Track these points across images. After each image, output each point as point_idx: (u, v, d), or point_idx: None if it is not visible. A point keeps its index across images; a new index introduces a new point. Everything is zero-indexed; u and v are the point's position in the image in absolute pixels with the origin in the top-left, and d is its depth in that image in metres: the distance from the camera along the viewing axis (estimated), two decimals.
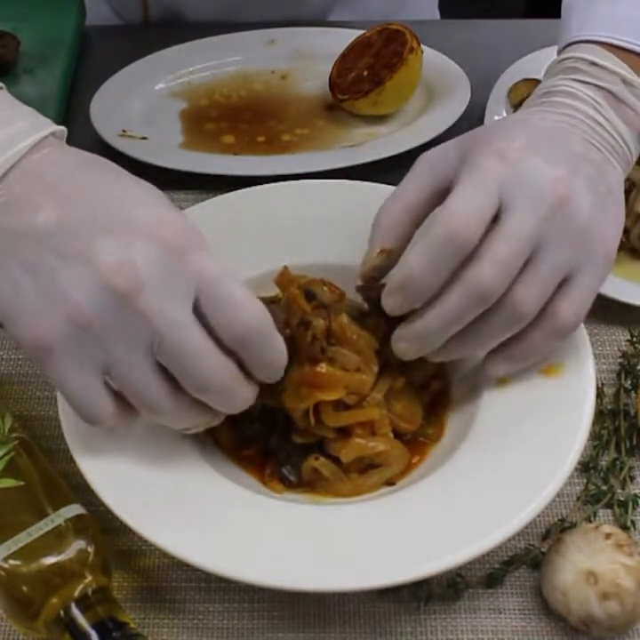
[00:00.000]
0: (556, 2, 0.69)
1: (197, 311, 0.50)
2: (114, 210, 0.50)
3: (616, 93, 0.60)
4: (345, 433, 0.59)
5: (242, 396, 0.53)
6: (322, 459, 0.59)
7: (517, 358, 0.59)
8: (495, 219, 0.54)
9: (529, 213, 0.54)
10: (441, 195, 0.57)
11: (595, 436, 0.64)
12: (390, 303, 0.57)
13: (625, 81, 0.60)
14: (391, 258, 0.59)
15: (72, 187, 0.51)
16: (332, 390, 0.57)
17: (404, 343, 0.58)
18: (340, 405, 0.58)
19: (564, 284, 0.56)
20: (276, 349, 0.53)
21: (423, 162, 0.60)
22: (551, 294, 0.56)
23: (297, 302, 0.60)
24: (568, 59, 0.62)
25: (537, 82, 0.84)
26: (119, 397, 0.52)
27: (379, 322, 0.61)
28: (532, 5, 1.01)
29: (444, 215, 0.54)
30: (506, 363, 0.59)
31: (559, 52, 0.65)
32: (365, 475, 0.59)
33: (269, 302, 0.65)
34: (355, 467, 0.59)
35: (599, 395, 0.62)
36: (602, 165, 0.58)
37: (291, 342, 0.60)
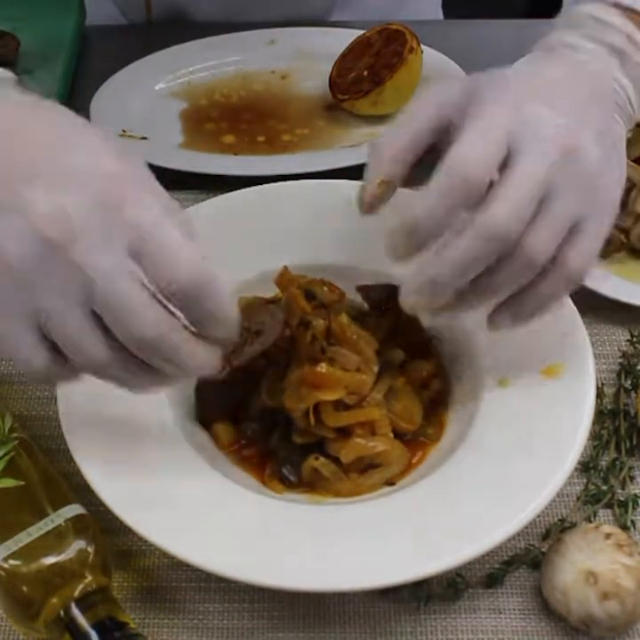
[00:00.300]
0: (557, 2, 0.69)
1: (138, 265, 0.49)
2: (51, 156, 0.49)
3: (621, 49, 0.60)
4: (345, 433, 0.59)
5: (194, 356, 0.50)
6: (322, 459, 0.59)
7: (525, 312, 0.57)
8: (503, 167, 0.54)
9: (539, 159, 0.54)
10: (442, 132, 0.57)
11: (595, 435, 0.64)
12: (393, 246, 0.56)
13: (629, 38, 0.60)
14: (390, 188, 0.59)
15: (8, 131, 0.50)
16: (332, 390, 0.57)
17: (413, 296, 0.56)
18: (340, 405, 0.58)
19: (572, 232, 0.55)
20: (219, 300, 0.50)
21: (429, 99, 0.60)
22: (560, 243, 0.55)
23: (297, 302, 0.60)
24: (573, 15, 0.63)
25: None
26: (58, 351, 0.50)
27: (379, 322, 0.61)
28: (533, 5, 1.01)
29: (453, 158, 0.53)
30: (513, 317, 0.58)
31: (563, 10, 0.65)
32: (365, 475, 0.59)
33: (269, 302, 0.65)
34: (355, 467, 0.59)
35: (599, 395, 0.62)
36: (606, 118, 0.58)
37: (291, 342, 0.60)
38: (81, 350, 0.49)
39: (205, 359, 0.51)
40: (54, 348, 0.50)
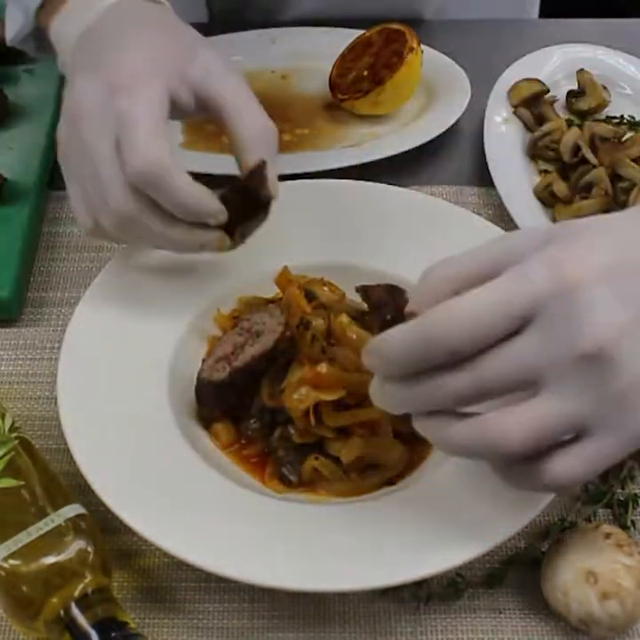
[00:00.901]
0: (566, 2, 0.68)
1: None
2: (104, 54, 0.61)
3: None
4: (345, 433, 0.59)
5: (167, 231, 0.60)
6: (322, 458, 0.59)
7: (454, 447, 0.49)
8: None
9: (545, 345, 0.46)
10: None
11: None
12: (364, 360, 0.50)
13: None
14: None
15: (101, 36, 0.63)
16: (333, 390, 0.57)
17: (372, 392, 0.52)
18: (340, 405, 0.58)
19: (574, 438, 0.48)
20: (175, 186, 0.58)
21: (501, 240, 0.51)
22: (549, 439, 0.47)
23: (297, 302, 0.60)
24: None
25: (537, 82, 0.85)
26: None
27: (379, 323, 0.61)
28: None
29: (444, 308, 0.47)
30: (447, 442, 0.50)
31: None
32: (365, 475, 0.59)
33: (269, 302, 0.65)
34: (355, 467, 0.59)
35: None
36: None
37: (291, 342, 0.60)
38: (97, 215, 0.61)
39: (181, 238, 0.61)
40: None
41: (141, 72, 0.59)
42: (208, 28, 0.91)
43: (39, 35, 0.71)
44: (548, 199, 0.78)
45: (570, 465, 0.47)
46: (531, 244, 0.48)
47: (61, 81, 0.85)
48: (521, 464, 0.48)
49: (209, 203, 0.60)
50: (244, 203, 0.62)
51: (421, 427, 0.50)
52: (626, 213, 0.51)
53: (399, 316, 0.54)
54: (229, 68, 0.63)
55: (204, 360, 0.62)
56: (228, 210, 0.61)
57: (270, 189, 0.61)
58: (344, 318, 0.60)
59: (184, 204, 0.59)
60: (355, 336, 0.59)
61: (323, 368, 0.57)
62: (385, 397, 0.50)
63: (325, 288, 0.64)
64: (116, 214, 0.60)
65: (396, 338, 0.48)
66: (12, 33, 0.72)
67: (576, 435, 0.47)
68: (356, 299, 0.63)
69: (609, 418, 0.47)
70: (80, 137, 0.59)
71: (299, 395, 0.57)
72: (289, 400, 0.58)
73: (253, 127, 0.62)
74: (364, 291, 0.62)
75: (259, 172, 0.61)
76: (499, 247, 0.49)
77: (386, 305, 0.60)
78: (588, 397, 0.46)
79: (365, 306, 0.63)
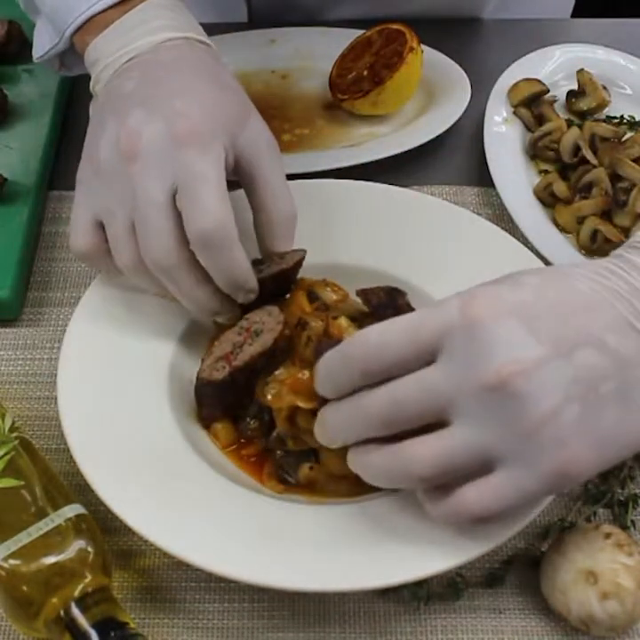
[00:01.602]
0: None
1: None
2: (165, 94, 0.59)
3: None
4: None
5: (193, 293, 0.59)
6: (316, 466, 0.58)
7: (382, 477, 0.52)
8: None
9: (452, 375, 0.47)
10: None
11: None
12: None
13: None
14: None
15: (158, 72, 0.61)
16: (309, 399, 0.56)
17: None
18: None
19: (486, 471, 0.48)
20: (232, 256, 0.57)
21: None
22: (457, 469, 0.48)
23: (297, 303, 0.60)
24: None
25: (537, 82, 0.85)
26: (104, 240, 0.60)
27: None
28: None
29: (363, 331, 0.50)
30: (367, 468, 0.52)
31: None
32: None
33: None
34: (350, 473, 0.59)
35: None
36: (628, 357, 0.47)
37: (289, 342, 0.60)
38: (116, 252, 0.59)
39: (204, 301, 0.59)
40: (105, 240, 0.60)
41: (206, 128, 0.58)
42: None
43: (65, 54, 0.70)
44: (547, 199, 0.78)
45: (479, 496, 0.48)
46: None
47: (62, 81, 0.86)
48: (437, 492, 0.50)
49: (252, 281, 0.60)
50: (273, 288, 0.62)
51: (349, 459, 0.53)
52: (578, 263, 0.53)
53: None
54: (273, 139, 0.62)
55: (203, 359, 0.62)
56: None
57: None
58: (342, 321, 0.60)
59: (234, 274, 0.58)
60: None
61: (304, 374, 0.57)
62: (321, 427, 0.53)
63: (328, 288, 0.64)
64: (152, 260, 0.58)
65: (323, 358, 0.52)
66: (41, 51, 0.70)
67: (489, 467, 0.48)
68: (358, 299, 0.63)
69: (518, 451, 0.47)
70: (127, 171, 0.57)
71: (275, 392, 0.57)
72: (262, 394, 0.58)
73: (285, 215, 0.62)
74: (364, 294, 0.62)
75: (300, 263, 0.63)
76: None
77: (386, 307, 0.60)
78: (494, 430, 0.47)
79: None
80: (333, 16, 0.95)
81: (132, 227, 0.58)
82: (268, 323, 0.60)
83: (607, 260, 0.51)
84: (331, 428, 0.53)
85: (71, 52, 0.68)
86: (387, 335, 0.49)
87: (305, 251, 0.64)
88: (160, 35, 0.62)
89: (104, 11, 0.64)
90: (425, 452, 0.48)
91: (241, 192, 0.63)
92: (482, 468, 0.48)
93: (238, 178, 0.62)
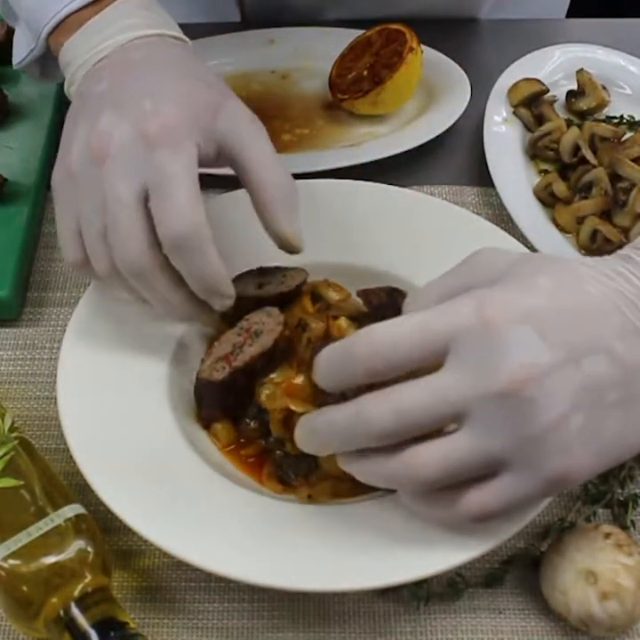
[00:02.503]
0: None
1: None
2: (135, 94, 0.58)
3: None
4: None
5: (169, 295, 0.57)
6: (316, 467, 0.58)
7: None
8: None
9: (464, 379, 0.46)
10: None
11: None
12: None
13: None
14: None
15: (128, 71, 0.60)
16: (303, 403, 0.56)
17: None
18: None
19: (490, 474, 0.48)
20: (206, 259, 0.55)
21: (470, 264, 0.52)
22: (463, 474, 0.48)
23: (300, 303, 0.60)
24: None
25: (537, 82, 0.85)
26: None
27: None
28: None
29: (368, 329, 0.48)
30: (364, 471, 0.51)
31: None
32: None
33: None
34: (350, 476, 0.59)
35: None
36: (635, 365, 0.47)
37: (289, 342, 0.60)
38: (91, 254, 0.58)
39: (178, 306, 0.58)
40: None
41: (177, 125, 0.56)
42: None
43: (44, 60, 0.69)
44: (547, 199, 0.78)
45: (483, 499, 0.48)
46: (491, 276, 0.49)
47: (61, 82, 0.86)
48: (438, 494, 0.49)
49: (227, 286, 0.58)
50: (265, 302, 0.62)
51: (344, 461, 0.51)
52: (586, 260, 0.51)
53: None
54: (253, 118, 0.61)
55: (203, 360, 0.62)
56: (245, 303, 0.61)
57: (296, 242, 0.60)
58: (343, 322, 0.60)
59: (207, 278, 0.56)
60: None
61: (299, 379, 0.57)
62: (307, 435, 0.52)
63: (330, 289, 0.64)
64: (123, 265, 0.56)
65: (325, 350, 0.50)
66: (20, 56, 0.69)
67: (493, 470, 0.48)
68: (359, 299, 0.63)
69: (525, 457, 0.47)
70: (98, 175, 0.56)
71: (269, 393, 0.57)
72: (264, 396, 0.58)
73: (282, 189, 0.59)
74: (365, 294, 0.62)
75: (301, 286, 0.63)
76: (463, 274, 0.51)
77: (387, 308, 0.60)
78: (504, 435, 0.46)
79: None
80: (327, 17, 0.95)
81: (105, 231, 0.56)
82: (268, 323, 0.60)
83: (614, 261, 0.51)
84: (323, 436, 0.51)
85: (50, 57, 0.67)
86: (396, 332, 0.48)
87: (307, 273, 0.64)
88: (131, 33, 0.61)
89: (78, 11, 0.63)
90: (429, 456, 0.48)
91: (232, 194, 0.62)
92: (486, 472, 0.48)
93: (229, 165, 0.61)
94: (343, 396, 0.51)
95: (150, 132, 0.55)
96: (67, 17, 0.63)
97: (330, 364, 0.50)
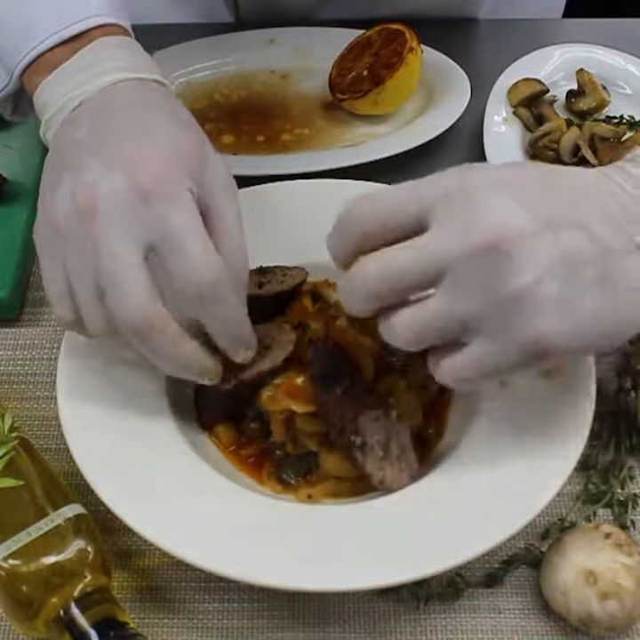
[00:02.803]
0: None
1: (155, 259, 0.52)
2: (120, 141, 0.54)
3: None
4: (329, 444, 0.58)
5: (178, 354, 0.53)
6: (316, 468, 0.59)
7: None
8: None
9: (444, 237, 0.48)
10: None
11: (594, 435, 0.64)
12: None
13: None
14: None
15: (110, 117, 0.56)
16: (304, 404, 0.57)
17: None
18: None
19: (461, 338, 0.50)
20: (233, 308, 0.53)
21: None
22: (434, 337, 0.50)
23: (301, 303, 0.60)
24: None
25: (537, 82, 0.85)
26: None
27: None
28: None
29: (359, 199, 0.52)
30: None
31: None
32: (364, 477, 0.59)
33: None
34: (350, 474, 0.59)
35: (599, 394, 0.62)
36: (615, 250, 0.48)
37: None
38: (85, 314, 0.54)
39: (192, 360, 0.54)
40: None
41: (169, 174, 0.53)
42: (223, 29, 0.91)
43: (17, 97, 0.64)
44: None
45: (454, 365, 0.50)
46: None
47: None
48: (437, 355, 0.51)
49: (252, 335, 0.56)
50: (271, 308, 0.62)
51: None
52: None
53: None
54: (231, 177, 0.58)
55: None
56: None
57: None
58: (343, 322, 0.60)
59: (235, 327, 0.54)
60: (352, 340, 0.59)
61: (300, 380, 0.57)
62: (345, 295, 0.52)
63: (331, 289, 0.64)
64: (125, 323, 0.52)
65: (332, 230, 0.53)
66: None
67: (468, 338, 0.49)
68: None
69: (497, 321, 0.47)
70: (88, 231, 0.52)
71: (270, 394, 0.57)
72: (266, 398, 0.58)
73: (237, 265, 0.55)
74: None
75: (301, 286, 0.64)
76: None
77: None
78: (477, 296, 0.47)
79: None
80: (321, 17, 0.95)
81: (99, 291, 0.53)
82: (280, 340, 0.59)
83: (608, 168, 0.52)
84: (345, 298, 0.52)
85: (25, 95, 0.63)
86: (390, 193, 0.51)
87: (307, 272, 0.64)
88: (111, 76, 0.57)
89: (51, 49, 0.59)
90: (401, 322, 0.50)
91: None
92: (458, 338, 0.49)
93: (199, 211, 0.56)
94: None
95: (142, 183, 0.52)
96: (40, 55, 0.59)
97: (335, 232, 0.53)
